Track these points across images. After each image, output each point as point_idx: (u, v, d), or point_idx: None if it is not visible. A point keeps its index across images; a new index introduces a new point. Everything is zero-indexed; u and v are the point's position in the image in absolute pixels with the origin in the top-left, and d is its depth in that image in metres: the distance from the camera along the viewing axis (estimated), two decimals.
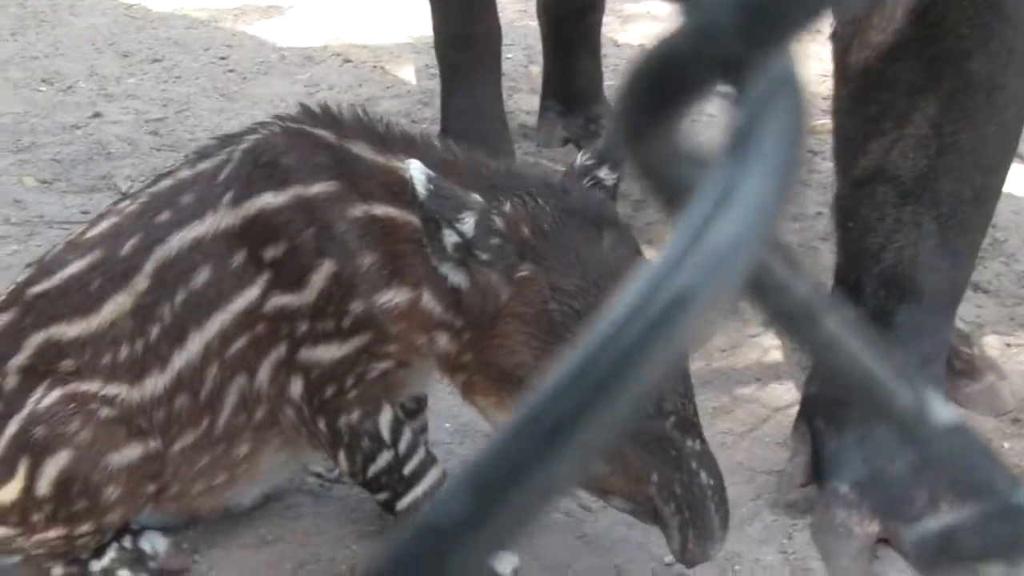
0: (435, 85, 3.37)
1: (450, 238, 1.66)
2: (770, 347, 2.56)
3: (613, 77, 3.70)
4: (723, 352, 2.54)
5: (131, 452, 1.83)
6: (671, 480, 1.67)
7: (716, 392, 2.42)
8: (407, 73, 4.04)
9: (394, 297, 1.77)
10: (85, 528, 1.86)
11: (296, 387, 1.84)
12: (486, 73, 3.24)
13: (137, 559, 1.98)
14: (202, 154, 1.92)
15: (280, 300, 1.80)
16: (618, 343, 0.36)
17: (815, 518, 2.09)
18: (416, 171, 1.64)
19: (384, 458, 1.88)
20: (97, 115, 3.63)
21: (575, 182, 1.79)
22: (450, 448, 2.25)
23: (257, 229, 1.81)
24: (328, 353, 1.81)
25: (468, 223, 1.66)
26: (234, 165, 1.85)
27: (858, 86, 2.03)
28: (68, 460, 1.80)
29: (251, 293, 1.81)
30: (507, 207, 1.69)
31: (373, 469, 1.89)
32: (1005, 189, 2.13)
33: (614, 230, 1.73)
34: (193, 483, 1.91)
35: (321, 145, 1.83)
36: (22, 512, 1.84)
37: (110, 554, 1.96)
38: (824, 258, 2.74)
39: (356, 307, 1.77)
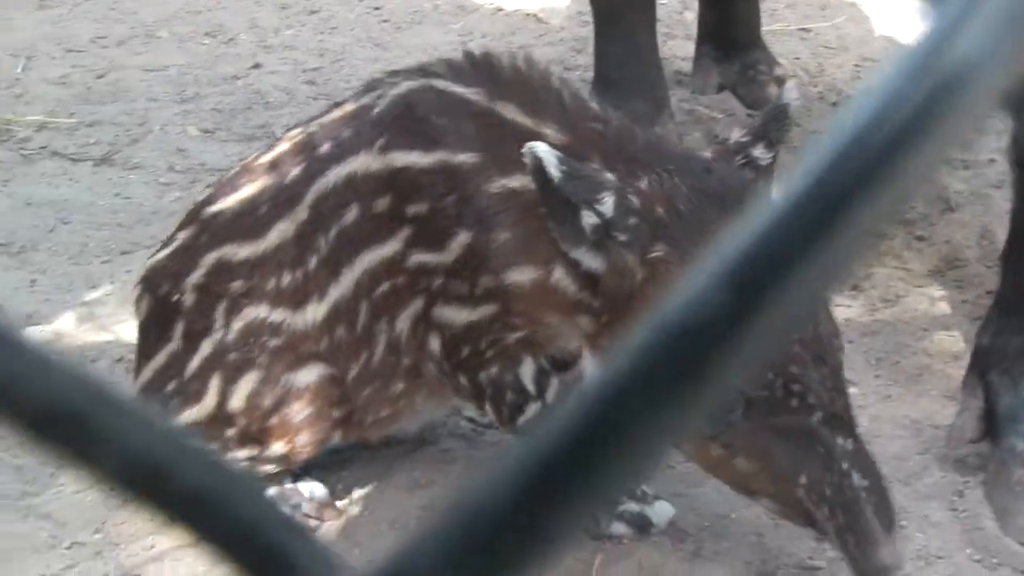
0: (589, 32, 3.32)
1: (589, 219, 1.62)
2: (937, 296, 2.46)
3: (770, 22, 3.59)
4: (888, 302, 2.45)
5: (308, 375, 1.89)
6: (821, 481, 1.58)
7: (881, 342, 2.33)
8: (560, 20, 3.99)
9: (523, 275, 1.77)
10: (277, 448, 1.93)
11: (434, 343, 1.86)
12: (640, 19, 3.17)
13: (292, 499, 2.02)
14: (368, 88, 1.94)
15: (420, 257, 1.82)
16: (894, 117, 0.31)
17: (989, 476, 2.00)
18: (544, 153, 1.60)
19: (532, 409, 1.87)
20: (256, 66, 3.69)
21: (724, 160, 1.72)
22: None
23: (401, 183, 1.83)
24: (460, 315, 1.82)
25: (607, 203, 1.62)
26: (388, 108, 1.86)
27: None
28: (257, 380, 1.89)
29: (394, 244, 1.83)
30: (643, 184, 1.65)
31: (522, 419, 1.88)
32: None
33: None
34: (364, 413, 1.96)
35: (472, 113, 1.81)
36: (217, 427, 1.92)
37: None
38: (997, 205, 2.62)
39: (487, 280, 1.78)
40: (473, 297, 1.80)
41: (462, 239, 1.79)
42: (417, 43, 3.84)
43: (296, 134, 1.97)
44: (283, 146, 1.96)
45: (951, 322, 2.39)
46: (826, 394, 1.57)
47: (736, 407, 1.57)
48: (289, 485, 2.02)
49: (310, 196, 1.87)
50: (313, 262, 1.87)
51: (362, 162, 1.85)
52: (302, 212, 1.87)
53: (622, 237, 1.62)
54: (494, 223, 1.77)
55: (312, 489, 2.03)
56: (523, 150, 1.60)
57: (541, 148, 1.60)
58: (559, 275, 1.74)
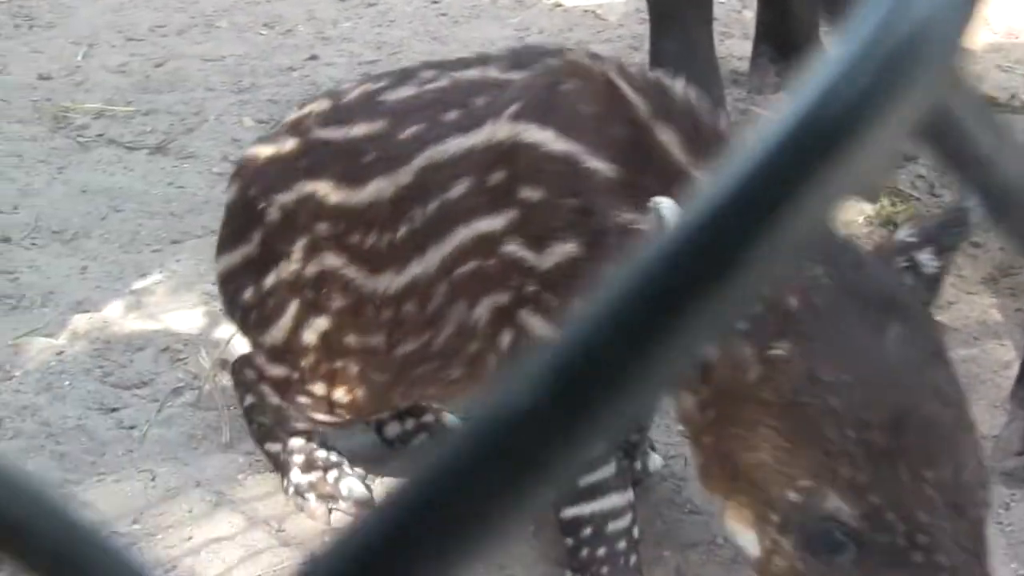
0: (645, 29, 3.29)
1: None
2: (990, 304, 2.42)
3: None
4: (939, 308, 2.41)
5: (360, 338, 1.84)
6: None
7: None
8: (618, 17, 3.96)
9: None
10: (342, 394, 1.91)
11: (505, 341, 1.73)
12: (697, 16, 3.14)
13: (331, 495, 2.02)
14: (516, 60, 1.79)
15: (517, 249, 1.67)
16: (842, 91, 0.29)
17: None
18: (670, 213, 1.34)
19: None
20: (313, 57, 3.70)
21: (882, 258, 1.49)
22: None
23: (523, 160, 1.67)
24: (545, 330, 1.69)
25: None
26: (535, 78, 1.71)
27: None
28: (328, 325, 1.84)
29: (494, 221, 1.69)
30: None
31: None
32: None
33: (907, 324, 1.40)
34: (412, 388, 1.91)
35: (627, 117, 1.63)
36: (292, 355, 1.90)
37: (310, 476, 2.02)
38: None
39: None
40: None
41: (567, 250, 1.63)
42: (475, 37, 3.83)
43: (429, 76, 1.83)
44: (411, 88, 1.82)
45: (1003, 330, 2.35)
46: (959, 554, 1.31)
47: (846, 547, 1.32)
48: (330, 483, 2.03)
49: (419, 161, 1.74)
50: (402, 232, 1.75)
51: (487, 134, 1.70)
52: (406, 176, 1.75)
53: (740, 325, 1.39)
54: (607, 253, 1.59)
55: (351, 487, 2.03)
56: (650, 203, 1.35)
57: (667, 208, 1.34)
58: None
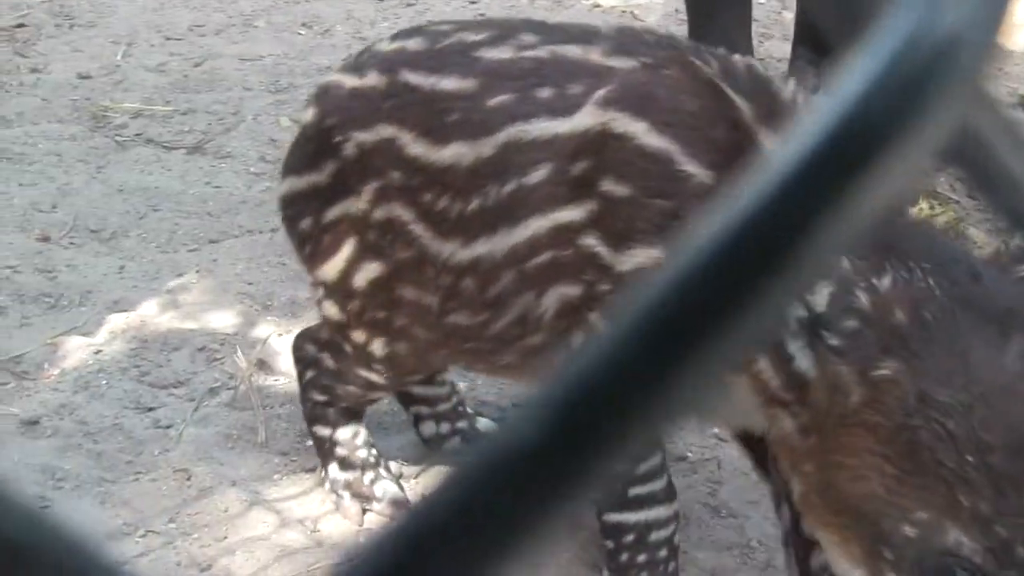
0: (683, 31, 3.28)
1: (795, 311, 1.31)
2: None
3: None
4: None
5: (412, 293, 1.79)
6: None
7: None
8: (657, 18, 3.95)
9: None
10: (380, 346, 1.87)
11: (572, 340, 1.65)
12: (735, 17, 3.13)
13: (367, 496, 2.02)
14: (620, 44, 1.67)
15: (596, 244, 1.59)
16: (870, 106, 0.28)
17: None
18: None
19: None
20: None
21: (999, 267, 1.39)
22: None
23: (610, 152, 1.57)
24: None
25: (821, 295, 1.30)
26: (636, 67, 1.62)
27: None
28: (381, 271, 1.80)
29: (573, 213, 1.60)
30: (886, 280, 1.31)
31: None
32: None
33: None
34: (456, 357, 1.88)
35: (731, 119, 1.52)
36: (341, 296, 1.86)
37: (347, 474, 2.02)
38: None
39: None
40: None
41: (651, 254, 1.53)
42: None
43: (531, 43, 1.73)
44: (508, 51, 1.73)
45: None
46: None
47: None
48: (365, 484, 2.03)
49: (503, 135, 1.66)
50: (474, 205, 1.68)
51: (575, 123, 1.61)
52: (487, 147, 1.67)
53: (833, 341, 1.30)
54: None
55: (386, 489, 2.03)
56: None
57: None
58: (762, 362, 1.42)
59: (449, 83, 1.74)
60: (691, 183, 1.51)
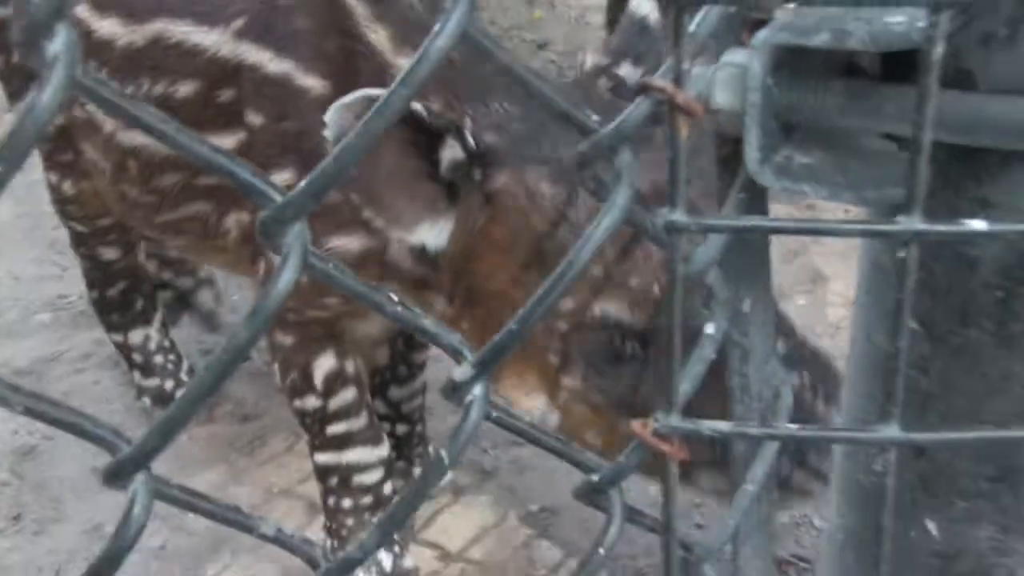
0: None
1: (452, 153, 1.35)
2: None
3: None
4: None
5: (89, 150, 1.92)
6: None
7: None
8: None
9: (352, 242, 1.55)
10: (68, 185, 2.08)
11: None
12: None
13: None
14: None
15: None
16: None
17: None
18: (333, 117, 1.25)
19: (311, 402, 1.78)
20: None
21: (580, 87, 1.47)
22: None
23: (248, 83, 1.61)
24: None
25: (463, 136, 1.35)
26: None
27: None
28: (59, 119, 1.88)
29: (227, 141, 1.65)
30: (479, 112, 1.41)
31: (298, 404, 1.79)
32: None
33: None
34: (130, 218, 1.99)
35: (341, 28, 1.55)
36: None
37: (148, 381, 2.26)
38: None
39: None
40: None
41: (284, 179, 1.56)
42: None
43: None
44: None
45: None
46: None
47: (629, 350, 1.35)
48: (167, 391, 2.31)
49: (152, 28, 1.71)
50: (129, 90, 1.70)
51: (218, 44, 1.65)
52: (138, 36, 1.72)
53: (478, 173, 1.37)
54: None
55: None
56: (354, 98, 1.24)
57: (331, 112, 1.24)
58: (395, 248, 1.50)
59: None
60: (308, 97, 1.55)
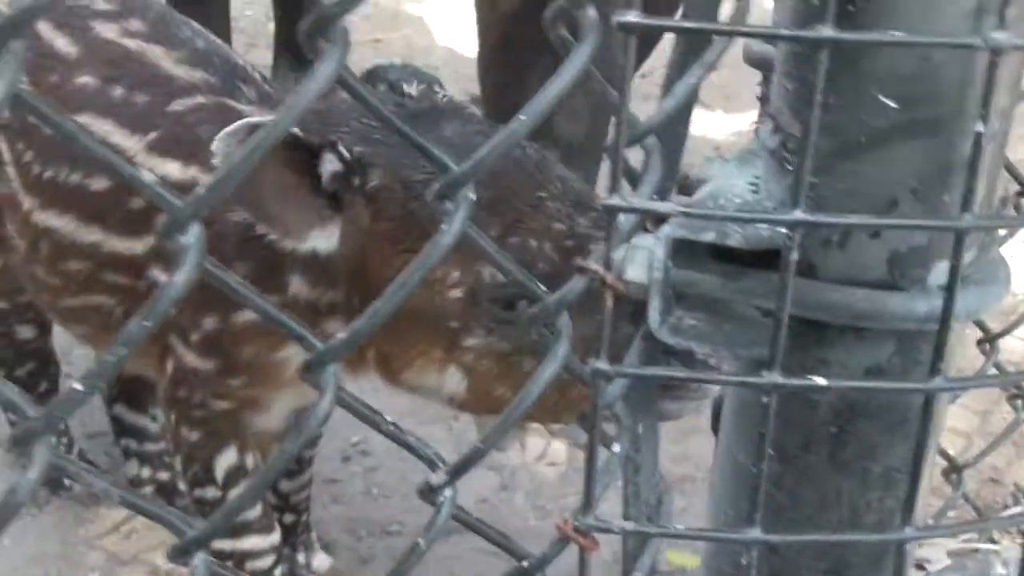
0: None
1: (330, 166, 1.53)
2: None
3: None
4: None
5: (10, 225, 2.00)
6: None
7: None
8: None
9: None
10: None
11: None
12: (214, 25, 3.44)
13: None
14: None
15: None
16: None
17: None
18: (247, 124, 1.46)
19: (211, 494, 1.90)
20: None
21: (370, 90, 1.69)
22: None
23: None
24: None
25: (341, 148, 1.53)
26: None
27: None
28: None
29: (136, 246, 1.82)
30: (348, 130, 1.60)
31: (198, 493, 1.92)
32: None
33: (460, 119, 1.64)
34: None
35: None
36: None
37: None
38: None
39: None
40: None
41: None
42: None
43: (138, 29, 1.94)
44: (115, 31, 1.93)
45: None
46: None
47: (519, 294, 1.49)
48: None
49: (81, 120, 1.81)
50: (49, 174, 1.89)
51: (132, 145, 1.82)
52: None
53: (356, 180, 1.54)
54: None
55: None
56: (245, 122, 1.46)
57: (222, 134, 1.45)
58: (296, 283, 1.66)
59: (61, 43, 1.93)
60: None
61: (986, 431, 2.55)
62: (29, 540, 2.30)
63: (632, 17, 0.66)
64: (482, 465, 2.46)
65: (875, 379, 0.82)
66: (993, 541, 2.20)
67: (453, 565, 2.26)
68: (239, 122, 1.45)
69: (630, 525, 0.78)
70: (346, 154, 1.52)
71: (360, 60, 3.87)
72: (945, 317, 0.74)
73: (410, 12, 4.69)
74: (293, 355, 1.71)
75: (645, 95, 3.90)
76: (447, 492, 0.73)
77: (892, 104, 0.74)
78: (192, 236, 0.57)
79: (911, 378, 0.82)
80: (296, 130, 1.45)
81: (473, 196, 0.66)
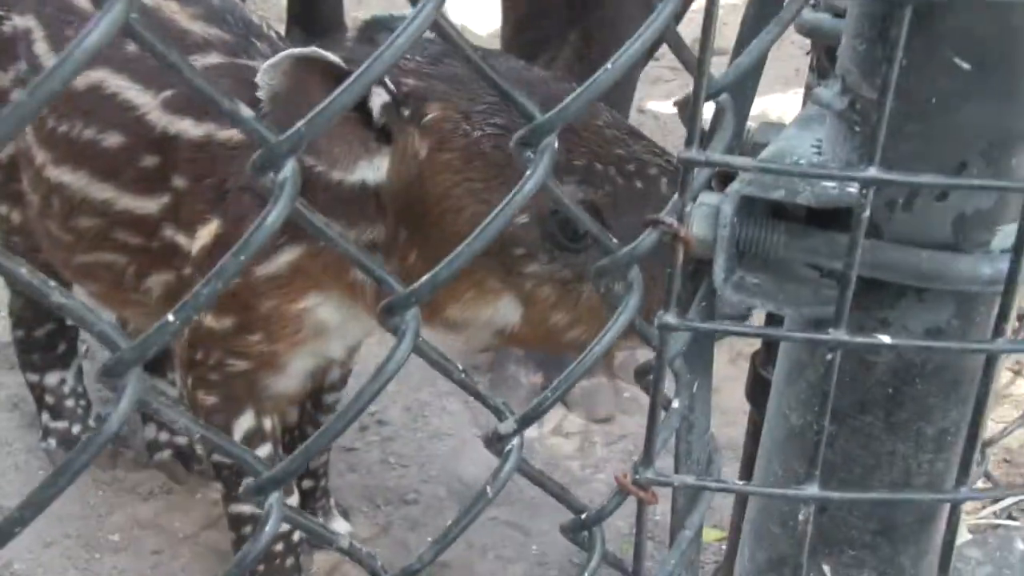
0: None
1: (379, 99, 1.52)
2: None
3: (354, 8, 3.96)
4: None
5: (25, 181, 2.02)
6: None
7: None
8: None
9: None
10: (16, 215, 2.13)
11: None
12: None
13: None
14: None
15: (173, 235, 1.82)
16: None
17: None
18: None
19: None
20: None
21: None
22: None
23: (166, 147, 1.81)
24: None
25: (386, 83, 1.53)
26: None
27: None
28: (8, 149, 2.04)
29: (150, 205, 1.84)
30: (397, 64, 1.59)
31: (217, 458, 1.94)
32: None
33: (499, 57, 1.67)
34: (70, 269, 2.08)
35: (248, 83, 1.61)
36: None
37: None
38: None
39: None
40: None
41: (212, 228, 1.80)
42: None
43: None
44: None
45: None
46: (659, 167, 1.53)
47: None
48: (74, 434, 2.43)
49: (94, 76, 1.86)
50: (63, 128, 1.90)
51: (148, 110, 1.84)
52: (80, 79, 1.82)
53: (407, 111, 1.54)
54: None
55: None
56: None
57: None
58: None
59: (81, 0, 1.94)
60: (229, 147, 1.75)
61: (997, 414, 2.56)
62: None
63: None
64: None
65: (935, 339, 0.82)
66: (1012, 518, 2.22)
67: (469, 534, 2.26)
68: (282, 53, 1.44)
69: (692, 479, 0.78)
70: (392, 87, 1.51)
71: None
72: (1011, 279, 0.74)
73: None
74: (312, 306, 1.72)
75: (655, 78, 3.91)
76: (515, 441, 0.74)
77: (965, 66, 0.75)
78: (288, 171, 0.58)
79: (969, 339, 0.83)
80: (342, 63, 1.44)
81: (556, 144, 0.67)
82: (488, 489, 0.73)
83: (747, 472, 1.42)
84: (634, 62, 0.66)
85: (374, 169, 1.56)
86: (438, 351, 0.69)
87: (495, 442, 0.74)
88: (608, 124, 1.52)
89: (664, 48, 2.76)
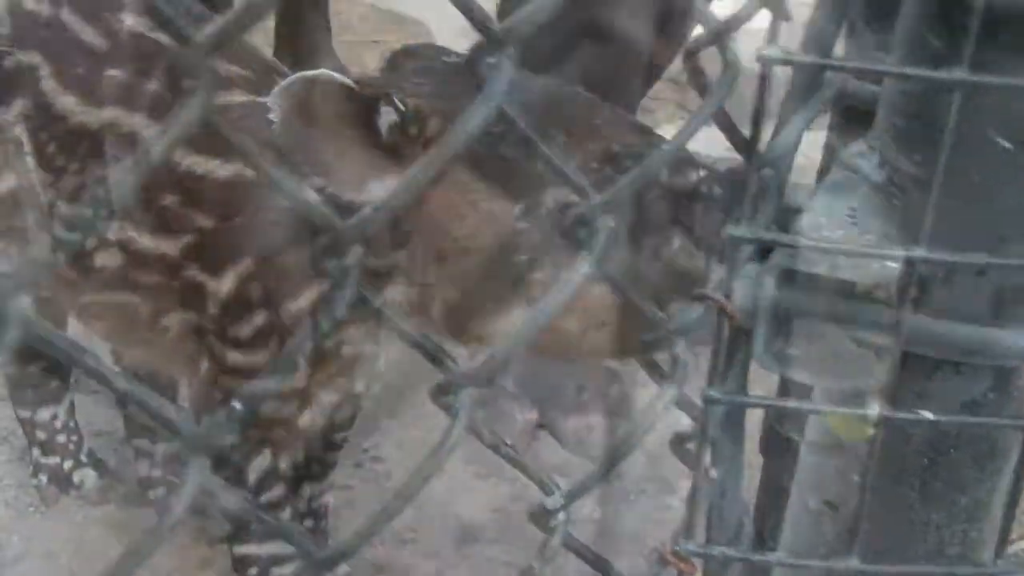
0: None
1: (388, 116, 1.52)
2: None
3: (341, 33, 3.96)
4: None
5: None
6: None
7: None
8: None
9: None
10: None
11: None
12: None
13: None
14: None
15: (197, 275, 1.80)
16: None
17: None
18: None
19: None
20: None
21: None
22: None
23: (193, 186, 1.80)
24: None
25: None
26: None
27: None
28: (11, 181, 1.96)
29: (168, 246, 1.81)
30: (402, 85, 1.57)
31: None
32: None
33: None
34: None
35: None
36: None
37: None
38: None
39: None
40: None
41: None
42: None
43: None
44: (144, 24, 1.89)
45: None
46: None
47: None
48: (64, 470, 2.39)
49: (108, 114, 1.85)
50: (75, 166, 1.88)
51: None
52: (93, 119, 1.85)
53: (413, 130, 1.52)
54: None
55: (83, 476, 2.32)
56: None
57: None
58: None
59: (87, 35, 1.90)
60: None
61: None
62: (40, 538, 2.30)
63: (770, 51, 0.67)
64: (495, 475, 2.49)
65: (972, 412, 0.83)
66: None
67: (467, 574, 2.26)
68: (293, 76, 1.43)
69: (732, 551, 0.78)
70: (400, 105, 1.50)
71: (359, 60, 3.90)
72: None
73: (410, 12, 4.68)
74: (345, 339, 1.69)
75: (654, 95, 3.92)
76: (560, 516, 0.74)
77: (1007, 144, 0.76)
78: (353, 257, 0.58)
79: (1006, 412, 0.84)
80: (351, 83, 1.45)
81: (612, 224, 0.67)
82: (535, 566, 0.73)
83: (759, 525, 1.42)
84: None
85: (385, 189, 1.51)
86: (490, 429, 0.69)
87: (541, 517, 0.74)
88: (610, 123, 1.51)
89: (659, 88, 2.73)
